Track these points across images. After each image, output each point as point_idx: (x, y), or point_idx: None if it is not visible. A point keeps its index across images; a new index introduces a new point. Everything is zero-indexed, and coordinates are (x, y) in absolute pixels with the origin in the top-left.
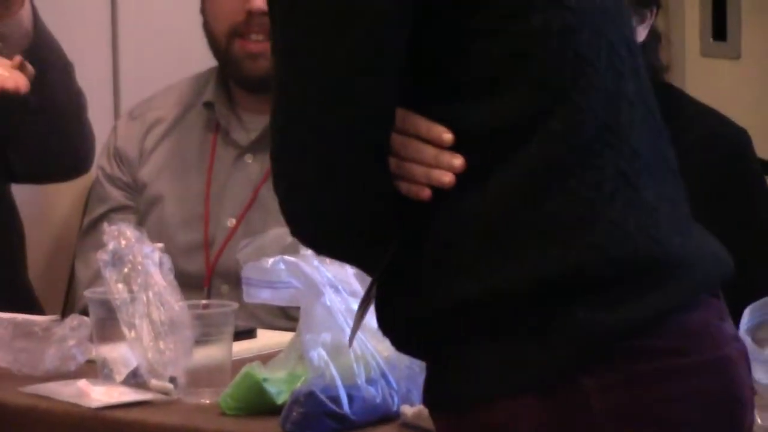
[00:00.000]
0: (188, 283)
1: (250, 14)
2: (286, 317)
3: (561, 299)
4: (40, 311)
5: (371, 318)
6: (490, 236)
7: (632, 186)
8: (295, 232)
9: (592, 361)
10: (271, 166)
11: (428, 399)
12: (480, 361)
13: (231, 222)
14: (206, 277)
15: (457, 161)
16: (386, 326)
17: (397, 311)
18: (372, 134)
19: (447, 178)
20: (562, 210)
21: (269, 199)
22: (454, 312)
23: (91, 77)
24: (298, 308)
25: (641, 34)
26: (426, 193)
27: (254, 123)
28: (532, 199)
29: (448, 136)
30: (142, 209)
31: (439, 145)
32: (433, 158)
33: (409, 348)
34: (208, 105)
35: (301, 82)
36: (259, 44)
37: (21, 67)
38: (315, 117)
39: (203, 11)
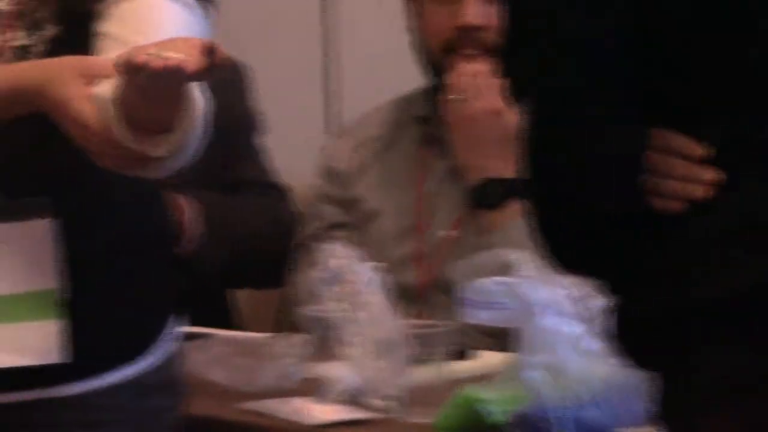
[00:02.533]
0: (405, 295)
1: (462, 29)
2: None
3: None
4: (243, 328)
5: (589, 340)
6: (734, 239)
7: None
8: (551, 254)
9: None
10: (528, 189)
11: (656, 411)
12: (714, 367)
13: (445, 233)
14: (423, 288)
15: (710, 175)
16: (618, 334)
17: (630, 316)
18: (630, 151)
19: (700, 192)
20: None
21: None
22: (693, 313)
23: (303, 96)
24: (512, 329)
25: None
26: (679, 206)
27: None
28: None
29: (701, 151)
30: (358, 225)
31: (692, 159)
32: (686, 173)
33: (640, 356)
34: (419, 120)
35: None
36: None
37: (208, 52)
38: (575, 143)
39: (411, 29)
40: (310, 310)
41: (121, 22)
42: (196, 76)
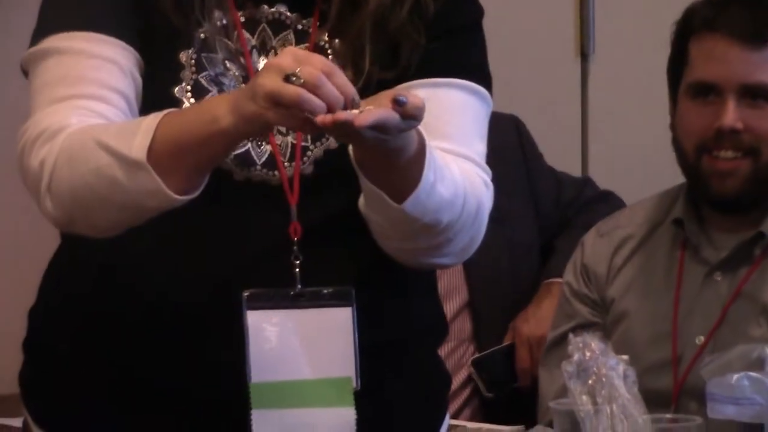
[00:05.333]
0: (655, 401)
1: (720, 131)
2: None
3: None
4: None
5: None
6: None
7: None
8: None
9: None
10: None
11: None
12: None
13: (699, 339)
14: (674, 394)
15: None
16: None
17: None
18: None
19: None
20: None
21: (738, 317)
22: None
23: None
24: (758, 425)
25: None
26: None
27: (724, 241)
28: None
29: None
30: (608, 326)
31: None
32: None
33: None
34: (677, 222)
35: None
36: (727, 162)
37: (397, 103)
38: None
39: (673, 127)
40: (558, 404)
41: None
42: (388, 128)
